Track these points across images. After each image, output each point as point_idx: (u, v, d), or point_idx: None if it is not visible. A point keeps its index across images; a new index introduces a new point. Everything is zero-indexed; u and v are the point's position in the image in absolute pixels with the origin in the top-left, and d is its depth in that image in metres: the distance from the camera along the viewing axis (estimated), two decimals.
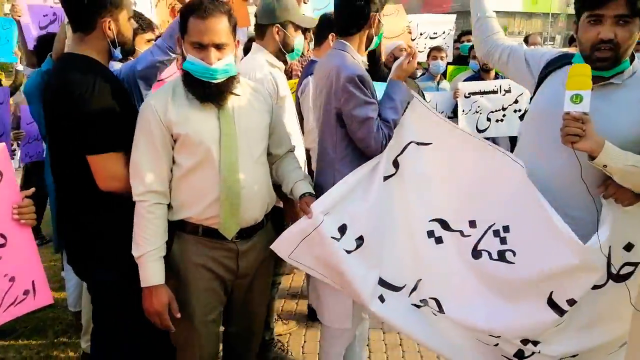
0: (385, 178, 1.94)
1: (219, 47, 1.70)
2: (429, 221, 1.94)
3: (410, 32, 4.97)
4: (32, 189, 1.69)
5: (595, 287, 1.68)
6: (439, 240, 1.93)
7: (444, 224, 1.92)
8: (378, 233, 1.92)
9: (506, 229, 1.80)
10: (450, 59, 5.16)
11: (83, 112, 1.69)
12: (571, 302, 1.67)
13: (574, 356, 1.79)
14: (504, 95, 4.04)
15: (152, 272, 1.74)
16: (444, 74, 4.88)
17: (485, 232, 1.85)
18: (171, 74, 2.87)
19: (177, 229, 1.83)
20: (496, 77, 4.25)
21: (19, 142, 3.71)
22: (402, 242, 1.96)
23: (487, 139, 4.00)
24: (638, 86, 1.67)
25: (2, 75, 6.48)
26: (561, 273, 1.67)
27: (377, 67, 3.10)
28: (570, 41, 4.97)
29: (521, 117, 4.02)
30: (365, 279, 1.88)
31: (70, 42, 1.89)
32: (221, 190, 1.76)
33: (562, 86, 1.60)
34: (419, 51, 5.20)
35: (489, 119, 4.08)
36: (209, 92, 1.73)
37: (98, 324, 1.97)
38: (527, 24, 35.92)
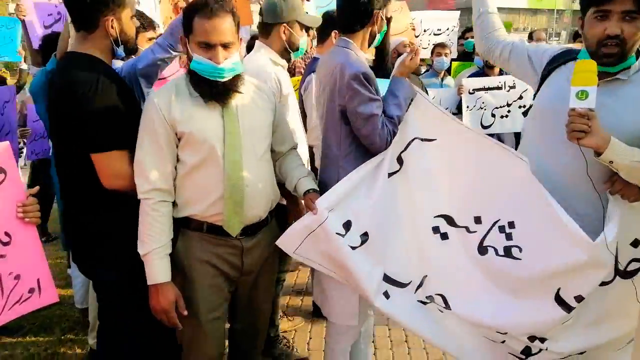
0: (390, 174, 1.93)
1: (225, 46, 1.71)
2: (434, 217, 1.94)
3: (414, 29, 4.95)
4: (37, 188, 1.70)
5: (602, 284, 1.67)
6: (444, 237, 1.93)
7: (450, 220, 1.92)
8: (383, 229, 1.92)
9: (511, 224, 1.80)
10: (455, 56, 5.14)
11: (87, 111, 1.69)
12: (579, 298, 1.66)
13: (581, 353, 1.78)
14: (508, 91, 4.02)
15: (158, 270, 1.74)
16: (448, 71, 4.86)
17: (491, 228, 1.84)
18: (174, 72, 2.87)
19: (182, 226, 1.83)
20: (500, 73, 4.23)
21: (25, 139, 3.71)
22: (408, 239, 1.95)
23: (492, 135, 4.03)
24: None
25: (7, 74, 6.51)
26: (569, 269, 1.66)
27: (385, 63, 3.09)
28: (575, 37, 4.94)
29: (525, 113, 4.00)
30: (371, 274, 1.88)
31: (74, 41, 1.89)
32: (225, 188, 1.77)
33: (567, 82, 1.59)
34: (422, 48, 5.19)
35: (493, 115, 4.07)
36: (216, 91, 1.74)
37: (104, 321, 1.98)
38: (532, 20, 35.71)
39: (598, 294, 1.68)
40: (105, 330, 1.97)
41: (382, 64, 3.04)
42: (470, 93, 4.04)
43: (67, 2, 1.80)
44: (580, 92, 1.54)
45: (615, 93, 1.66)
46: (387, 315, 1.94)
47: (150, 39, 2.62)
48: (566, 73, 1.71)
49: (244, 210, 1.81)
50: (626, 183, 1.62)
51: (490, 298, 1.84)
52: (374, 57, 3.18)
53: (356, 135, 1.93)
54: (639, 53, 1.69)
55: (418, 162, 1.94)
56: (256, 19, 4.09)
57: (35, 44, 3.71)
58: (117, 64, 2.25)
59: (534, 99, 1.92)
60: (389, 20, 2.20)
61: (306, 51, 3.13)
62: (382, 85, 1.99)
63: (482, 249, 1.86)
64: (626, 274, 1.69)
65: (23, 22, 3.84)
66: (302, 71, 3.60)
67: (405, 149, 1.95)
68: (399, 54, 2.06)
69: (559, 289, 1.70)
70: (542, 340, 1.78)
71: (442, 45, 4.73)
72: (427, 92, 3.96)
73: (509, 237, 1.80)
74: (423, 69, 5.17)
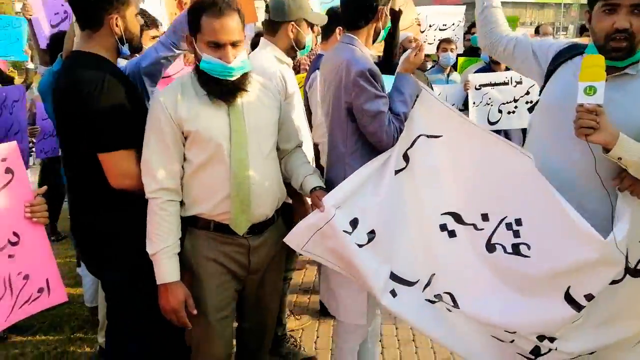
0: (396, 172, 1.92)
1: (234, 44, 1.71)
2: (441, 214, 1.92)
3: (419, 24, 4.92)
4: (45, 187, 1.71)
5: (613, 282, 1.65)
6: (452, 234, 1.91)
7: (457, 217, 1.91)
8: (390, 227, 1.91)
9: (518, 222, 1.78)
10: (461, 51, 5.11)
11: (92, 110, 1.69)
12: (589, 297, 1.64)
13: (591, 353, 1.77)
14: (515, 86, 3.98)
15: (167, 270, 1.75)
16: (454, 66, 4.83)
17: (498, 225, 1.83)
18: (178, 70, 2.87)
19: (189, 224, 1.84)
20: (507, 68, 4.19)
21: (34, 138, 3.73)
22: (415, 237, 1.94)
23: (499, 131, 4.01)
24: None
25: (14, 73, 6.55)
26: (579, 267, 1.64)
27: (392, 58, 3.06)
28: (581, 31, 4.89)
29: (531, 109, 3.96)
30: (377, 272, 1.87)
31: (79, 40, 1.89)
32: (232, 186, 1.77)
33: (574, 77, 1.57)
34: (428, 43, 5.16)
35: (500, 111, 4.03)
36: (226, 89, 1.74)
37: (112, 321, 1.98)
38: (539, 14, 35.40)
39: (608, 292, 1.66)
40: (114, 330, 1.98)
41: (390, 60, 3.02)
42: (476, 89, 4.01)
43: (71, 1, 1.80)
44: (588, 87, 1.52)
45: (624, 88, 1.64)
46: (395, 314, 1.93)
47: (153, 37, 2.62)
48: (573, 68, 1.69)
49: (250, 208, 1.81)
50: (635, 180, 1.60)
51: (499, 296, 1.83)
52: (382, 53, 3.16)
53: (362, 133, 1.92)
54: None
55: (424, 159, 1.93)
56: (260, 15, 4.09)
57: (43, 44, 3.73)
58: (121, 63, 2.25)
59: (539, 94, 1.90)
60: (399, 13, 2.19)
61: (311, 48, 3.12)
62: (388, 81, 1.98)
63: (490, 247, 1.85)
64: (636, 273, 1.67)
65: (30, 21, 3.86)
66: (307, 68, 3.59)
67: (411, 146, 1.93)
68: (405, 50, 2.05)
69: (568, 287, 1.68)
70: (552, 339, 1.76)
71: (447, 41, 4.70)
72: (432, 88, 3.94)
73: (516, 234, 1.78)
74: (429, 65, 5.13)
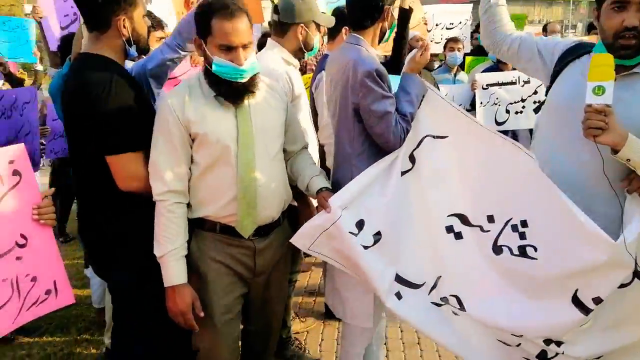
0: (403, 173, 1.92)
1: (245, 46, 1.71)
2: (448, 216, 1.91)
3: (426, 23, 4.89)
4: (52, 190, 1.71)
5: (621, 286, 1.63)
6: (458, 236, 1.90)
7: (464, 219, 1.89)
8: (396, 229, 1.90)
9: (524, 223, 1.76)
10: (468, 50, 5.07)
11: (100, 112, 1.69)
12: (597, 300, 1.62)
13: (598, 357, 1.74)
14: (522, 86, 3.94)
15: (174, 272, 1.75)
16: (462, 66, 4.80)
17: (504, 227, 1.81)
18: (185, 71, 2.87)
19: (195, 226, 1.84)
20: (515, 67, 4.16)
21: (44, 138, 3.75)
22: (421, 238, 1.93)
23: (507, 131, 3.97)
24: None
25: (24, 75, 6.60)
26: (587, 270, 1.62)
27: (402, 58, 3.04)
28: (589, 29, 4.83)
29: (536, 110, 3.92)
30: (383, 274, 1.87)
31: (86, 42, 1.89)
32: (238, 188, 1.77)
33: (582, 77, 1.55)
34: (435, 42, 5.13)
35: (507, 111, 4.00)
36: (236, 91, 1.74)
37: (118, 323, 1.99)
38: (547, 11, 35.13)
39: (617, 296, 1.64)
40: (119, 332, 1.98)
41: (399, 59, 3.00)
42: (483, 88, 3.98)
43: (79, 3, 1.80)
44: (597, 87, 1.51)
45: (633, 87, 1.62)
46: (399, 317, 1.92)
47: (159, 39, 2.62)
48: (580, 67, 1.67)
49: (257, 211, 1.80)
50: None
51: (506, 299, 1.81)
52: (390, 53, 3.13)
53: (369, 134, 1.91)
54: None
55: (430, 160, 1.92)
56: (266, 16, 4.09)
57: (53, 46, 3.75)
58: (128, 65, 2.26)
59: (546, 94, 1.88)
60: (410, 11, 2.17)
61: (318, 49, 3.11)
62: (394, 81, 1.97)
63: (497, 249, 1.83)
64: None
65: (39, 23, 3.87)
66: (314, 68, 3.58)
67: (417, 146, 1.92)
68: (411, 49, 2.04)
69: (576, 290, 1.66)
70: (559, 343, 1.74)
71: (454, 40, 4.67)
72: (438, 88, 3.91)
73: (522, 236, 1.77)
74: (436, 65, 5.11)
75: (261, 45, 3.33)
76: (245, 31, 1.70)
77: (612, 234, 1.57)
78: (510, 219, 1.79)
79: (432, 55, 5.44)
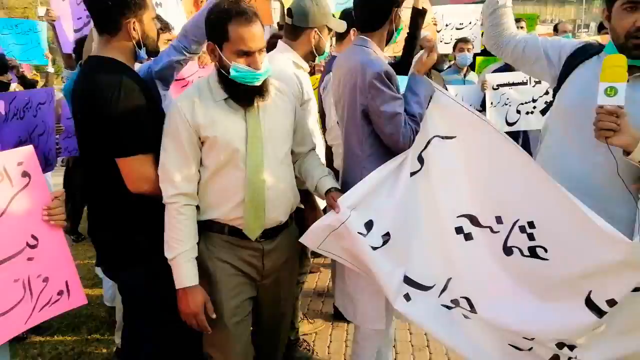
0: (412, 174, 1.91)
1: (260, 50, 1.72)
2: (457, 217, 1.90)
3: (435, 24, 4.87)
4: (62, 191, 1.73)
5: (636, 290, 1.60)
6: (468, 237, 1.89)
7: (473, 220, 1.88)
8: (405, 230, 1.89)
9: (531, 224, 1.75)
10: (478, 50, 5.04)
11: (110, 115, 1.70)
12: (611, 302, 1.59)
13: None
14: (534, 86, 3.89)
15: (186, 274, 1.75)
16: (472, 66, 4.76)
17: (512, 228, 1.80)
18: (193, 72, 2.89)
19: (204, 228, 1.84)
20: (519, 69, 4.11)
21: (58, 136, 3.78)
22: (431, 240, 1.92)
23: (518, 132, 3.92)
24: None
25: (37, 76, 6.69)
26: (601, 270, 1.60)
27: (412, 59, 3.02)
28: (600, 28, 4.77)
29: (543, 112, 3.87)
30: (391, 275, 1.86)
31: (96, 45, 1.91)
32: (247, 191, 1.77)
33: (594, 78, 1.53)
34: (445, 43, 5.10)
35: (518, 112, 3.96)
36: (250, 94, 1.75)
37: (128, 322, 2.00)
38: (559, 11, 34.81)
39: (631, 300, 1.61)
40: (130, 331, 1.99)
41: (410, 60, 2.98)
42: (494, 89, 3.94)
43: (89, 6, 1.81)
44: (609, 88, 1.49)
45: None
46: (408, 319, 1.92)
47: (167, 41, 2.64)
48: (591, 68, 1.66)
49: (264, 214, 1.81)
50: None
51: (518, 300, 1.79)
52: (399, 53, 3.11)
53: (378, 135, 1.91)
54: None
55: (439, 161, 1.91)
56: (274, 17, 4.10)
57: (66, 48, 3.79)
58: (135, 67, 2.27)
59: (553, 96, 1.86)
60: (424, 11, 2.16)
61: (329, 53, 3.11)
62: (403, 82, 1.97)
63: (507, 250, 1.82)
64: None
65: (53, 25, 3.91)
66: (322, 69, 3.58)
67: (426, 147, 1.92)
68: (421, 49, 2.03)
69: (590, 292, 1.64)
70: (572, 347, 1.71)
71: (464, 40, 4.64)
72: (446, 88, 3.89)
73: (531, 237, 1.75)
74: (446, 65, 5.08)
75: (270, 46, 3.33)
76: (261, 36, 1.72)
77: (627, 235, 1.55)
78: (518, 219, 1.78)
79: (442, 55, 5.43)
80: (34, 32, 4.82)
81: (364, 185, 1.85)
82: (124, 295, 1.96)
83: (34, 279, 1.59)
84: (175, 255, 1.74)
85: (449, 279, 1.91)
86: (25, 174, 1.58)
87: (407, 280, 1.90)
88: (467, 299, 1.88)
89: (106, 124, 1.71)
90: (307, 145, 2.05)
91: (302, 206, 2.14)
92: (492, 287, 1.84)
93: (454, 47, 4.70)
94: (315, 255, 3.78)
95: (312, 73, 3.54)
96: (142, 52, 1.86)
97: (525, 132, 4.01)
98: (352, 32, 2.78)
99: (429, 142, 1.91)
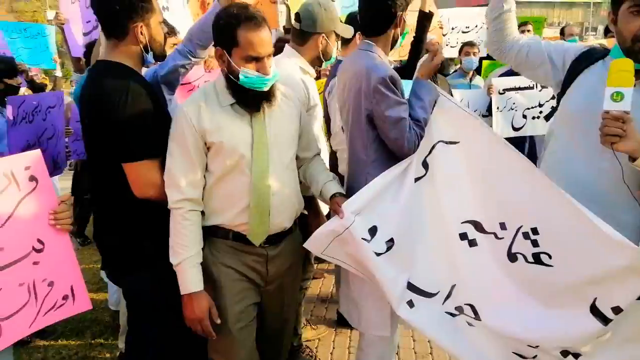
0: (416, 180, 1.91)
1: (269, 56, 1.72)
2: (462, 223, 1.89)
3: (441, 27, 4.86)
4: (68, 195, 1.73)
5: None
6: (472, 243, 1.88)
7: (478, 226, 1.87)
8: (409, 236, 1.89)
9: (535, 231, 1.74)
10: (484, 54, 5.02)
11: (117, 121, 1.70)
12: (617, 310, 1.58)
13: None
14: (540, 91, 3.87)
15: (191, 279, 1.75)
16: (478, 70, 4.74)
17: (516, 234, 1.79)
18: (199, 76, 2.90)
19: (209, 234, 1.84)
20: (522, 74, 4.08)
21: (67, 138, 3.81)
22: (435, 246, 1.91)
23: (525, 137, 3.89)
24: None
25: (47, 80, 6.75)
26: (607, 276, 1.58)
27: (417, 62, 3.01)
28: (607, 32, 4.73)
29: (547, 117, 3.84)
30: (395, 282, 1.85)
31: (104, 49, 1.91)
32: (252, 197, 1.77)
33: (599, 83, 1.52)
34: (450, 46, 5.09)
35: (524, 116, 3.93)
36: (257, 100, 1.75)
37: (132, 329, 2.00)
38: (567, 14, 34.66)
39: (638, 306, 1.60)
40: (134, 338, 1.99)
41: (414, 63, 2.97)
42: (500, 93, 3.92)
43: (97, 10, 1.81)
44: (615, 93, 1.48)
45: None
46: (411, 326, 1.91)
47: (173, 45, 2.65)
48: (597, 73, 1.65)
49: (269, 219, 1.81)
50: None
51: (523, 307, 1.78)
52: (405, 57, 3.10)
53: (383, 140, 1.91)
54: None
55: (443, 166, 1.91)
56: (280, 20, 4.11)
57: (76, 52, 3.81)
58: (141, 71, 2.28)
59: (557, 101, 1.84)
60: (430, 15, 2.15)
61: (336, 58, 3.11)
62: (407, 86, 1.96)
63: (512, 256, 1.81)
64: None
65: (62, 29, 3.94)
66: (327, 74, 3.58)
67: (430, 152, 1.91)
68: (427, 52, 2.02)
69: (595, 299, 1.62)
70: (576, 355, 1.70)
71: (470, 44, 4.62)
72: (451, 93, 3.88)
73: (534, 243, 1.74)
74: (452, 69, 5.06)
75: (275, 50, 3.33)
76: (270, 41, 1.72)
77: (633, 241, 1.53)
78: (521, 226, 1.77)
79: (447, 59, 5.42)
80: (42, 36, 4.85)
81: (368, 190, 1.84)
82: (129, 300, 1.97)
83: (39, 283, 1.59)
84: (181, 261, 1.74)
85: (453, 286, 1.90)
86: (32, 178, 1.58)
87: (411, 287, 1.89)
88: (472, 306, 1.87)
89: (113, 129, 1.71)
90: (312, 150, 2.05)
91: (306, 212, 2.14)
92: (497, 294, 1.83)
93: (460, 51, 4.68)
94: (319, 261, 3.77)
95: (317, 77, 3.54)
96: (150, 57, 1.87)
97: (531, 136, 3.98)
98: (357, 36, 2.78)
99: (433, 147, 1.91)
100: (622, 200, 1.61)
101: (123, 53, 1.81)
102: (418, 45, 2.25)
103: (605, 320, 1.60)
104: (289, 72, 2.29)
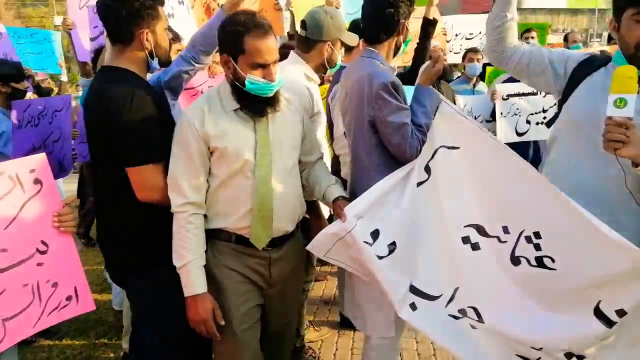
0: (419, 184, 1.92)
1: (275, 62, 1.74)
2: (464, 227, 1.90)
3: (445, 34, 4.87)
4: (73, 197, 1.75)
5: None
6: (475, 247, 1.88)
7: (480, 230, 1.88)
8: (411, 239, 1.90)
9: (537, 235, 1.74)
10: (488, 60, 5.03)
11: (122, 125, 1.71)
12: (621, 312, 1.58)
13: None
14: (544, 96, 3.87)
15: (195, 281, 1.76)
16: (481, 76, 4.75)
17: (518, 238, 1.79)
18: (203, 81, 2.92)
19: (211, 237, 1.85)
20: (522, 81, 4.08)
21: (74, 140, 3.83)
22: (437, 249, 1.92)
23: (528, 142, 3.88)
24: None
25: (52, 84, 6.81)
26: (611, 279, 1.59)
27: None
28: (610, 38, 4.74)
29: (548, 124, 3.83)
30: (397, 284, 1.86)
31: (109, 55, 1.93)
32: (254, 201, 1.78)
33: (602, 90, 1.53)
34: (454, 53, 5.11)
35: (528, 122, 3.93)
36: (262, 105, 1.76)
37: (136, 330, 2.01)
38: (571, 20, 34.63)
39: None
40: (138, 337, 2.00)
41: (419, 69, 2.98)
42: (504, 99, 3.92)
43: (103, 16, 1.83)
44: (619, 99, 1.48)
45: None
46: (414, 328, 1.91)
47: (177, 51, 2.67)
48: (599, 80, 1.65)
49: (272, 223, 1.82)
50: None
51: (526, 310, 1.78)
52: (409, 63, 3.11)
53: (385, 146, 1.92)
54: None
55: (445, 171, 1.92)
56: (285, 27, 4.13)
57: (82, 56, 3.85)
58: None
59: (559, 107, 1.84)
60: (434, 22, 2.15)
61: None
62: (409, 92, 1.97)
63: (515, 260, 1.81)
64: None
65: (69, 34, 3.98)
66: (330, 79, 3.60)
67: (432, 157, 1.93)
68: (431, 58, 2.03)
69: (599, 302, 1.62)
70: (580, 358, 1.70)
71: (474, 50, 4.62)
72: (454, 100, 3.89)
73: (537, 247, 1.75)
74: (455, 75, 5.07)
75: (279, 56, 3.35)
76: (276, 48, 1.74)
77: (636, 244, 1.53)
78: (523, 230, 1.78)
79: (451, 65, 5.43)
80: (48, 42, 4.90)
81: (370, 194, 1.85)
82: (133, 302, 1.97)
83: (43, 284, 1.61)
84: (184, 264, 1.75)
85: (456, 289, 1.90)
86: (37, 181, 1.60)
87: (413, 290, 1.89)
88: (475, 309, 1.87)
89: (117, 133, 1.73)
90: (314, 154, 2.06)
91: (307, 215, 2.14)
92: (500, 297, 1.84)
93: (464, 57, 4.69)
94: (322, 263, 3.78)
95: (321, 83, 3.56)
96: (155, 62, 1.88)
97: (536, 141, 3.98)
98: (361, 42, 2.79)
99: (435, 152, 1.92)
100: (625, 205, 1.61)
101: (128, 59, 1.83)
102: (422, 52, 2.27)
103: (609, 323, 1.60)
104: (294, 78, 2.30)
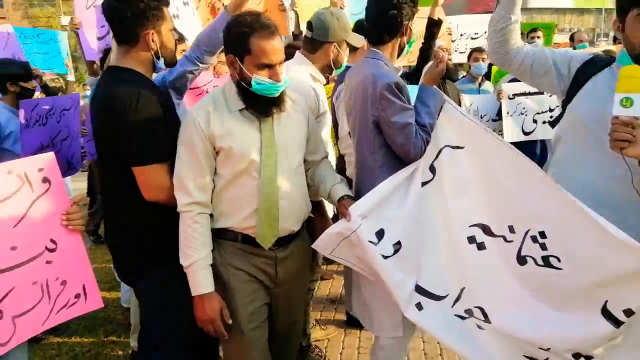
0: (424, 184, 1.92)
1: (281, 63, 1.75)
2: (470, 226, 1.90)
3: (450, 34, 4.87)
4: (81, 196, 1.76)
5: None
6: (481, 247, 1.88)
7: (486, 229, 1.88)
8: (416, 239, 1.90)
9: (542, 234, 1.74)
10: None
11: (128, 125, 1.72)
12: (628, 312, 1.58)
13: None
14: (550, 95, 3.85)
15: (202, 281, 1.77)
16: (487, 76, 4.74)
17: (524, 237, 1.79)
18: (208, 81, 2.94)
19: (217, 236, 1.86)
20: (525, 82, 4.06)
21: (82, 138, 3.85)
22: (443, 249, 1.92)
23: (535, 141, 3.87)
24: None
25: (59, 83, 6.86)
26: (618, 279, 1.58)
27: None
28: (615, 38, 4.71)
29: (552, 124, 3.81)
30: (403, 284, 1.86)
31: (115, 55, 1.94)
32: (260, 201, 1.79)
33: (608, 89, 1.52)
34: (460, 52, 5.10)
35: (535, 121, 3.92)
36: (268, 105, 1.77)
37: (145, 329, 2.02)
38: (578, 20, 34.42)
39: None
40: (146, 336, 2.01)
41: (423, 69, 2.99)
42: (510, 98, 3.92)
43: (108, 17, 1.84)
44: (625, 99, 1.48)
45: None
46: (420, 328, 1.91)
47: (182, 52, 2.68)
48: (604, 79, 1.65)
49: (278, 223, 1.82)
50: None
51: (533, 310, 1.78)
52: (414, 63, 3.10)
53: (389, 146, 1.92)
54: None
55: (450, 170, 1.92)
56: (289, 27, 4.14)
57: (89, 55, 3.87)
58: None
59: (563, 107, 1.84)
60: (439, 22, 2.15)
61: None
62: (412, 92, 1.98)
63: (521, 259, 1.81)
64: None
65: (77, 33, 4.01)
66: (335, 79, 3.60)
67: (437, 157, 1.93)
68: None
69: (606, 302, 1.62)
70: (588, 358, 1.70)
71: (479, 50, 4.61)
72: (459, 99, 3.88)
73: (543, 247, 1.74)
74: (461, 75, 5.06)
75: (285, 56, 3.36)
76: (282, 49, 1.75)
77: None
78: (529, 230, 1.78)
79: (456, 65, 5.42)
80: (54, 42, 4.94)
81: (375, 194, 1.86)
82: (141, 301, 1.98)
83: (52, 281, 1.62)
84: (191, 263, 1.76)
85: (462, 289, 1.91)
86: (45, 180, 1.62)
87: (419, 289, 1.90)
88: (481, 309, 1.87)
89: (123, 133, 1.74)
90: (319, 153, 2.07)
91: (312, 215, 2.15)
92: (507, 297, 1.83)
93: (469, 57, 4.68)
94: (328, 262, 3.79)
95: (326, 83, 3.57)
96: (160, 63, 1.89)
97: (542, 140, 3.97)
98: (365, 42, 2.80)
99: (440, 152, 1.92)
100: (632, 205, 1.61)
101: (134, 59, 1.84)
102: (427, 51, 2.27)
103: (617, 323, 1.60)
104: (299, 79, 2.30)
